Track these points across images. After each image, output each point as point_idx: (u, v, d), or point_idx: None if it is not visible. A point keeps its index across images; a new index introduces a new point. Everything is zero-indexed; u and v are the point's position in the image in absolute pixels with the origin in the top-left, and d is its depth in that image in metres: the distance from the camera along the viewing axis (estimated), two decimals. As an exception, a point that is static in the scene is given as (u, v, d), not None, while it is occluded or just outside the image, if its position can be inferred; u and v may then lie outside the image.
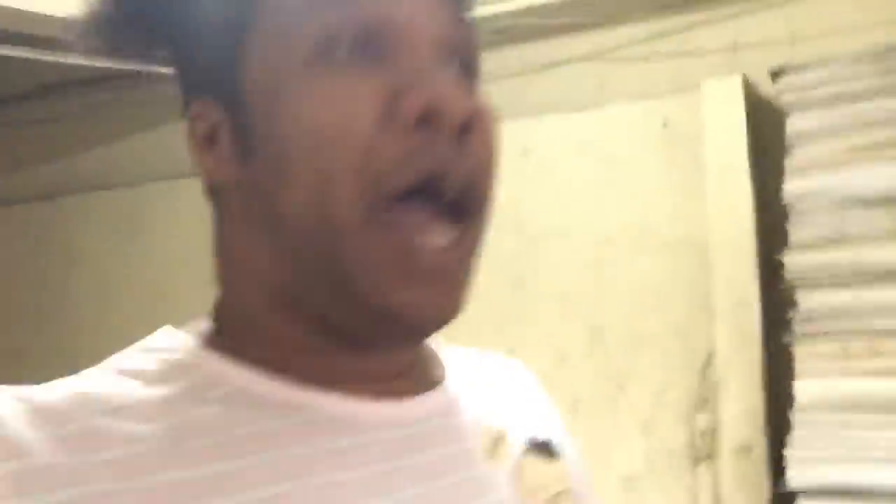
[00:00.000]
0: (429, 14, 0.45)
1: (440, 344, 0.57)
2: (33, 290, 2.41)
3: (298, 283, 0.44)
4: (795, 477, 1.40)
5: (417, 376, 0.50)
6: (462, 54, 0.47)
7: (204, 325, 0.48)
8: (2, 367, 2.25)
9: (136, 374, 0.43)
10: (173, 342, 0.46)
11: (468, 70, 0.48)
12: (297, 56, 0.43)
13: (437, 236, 0.43)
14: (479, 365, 0.58)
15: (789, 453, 1.41)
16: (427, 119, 0.42)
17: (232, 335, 0.47)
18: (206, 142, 0.47)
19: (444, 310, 0.44)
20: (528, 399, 0.59)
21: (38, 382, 0.42)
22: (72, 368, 0.44)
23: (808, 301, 1.47)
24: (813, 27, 1.65)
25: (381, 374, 0.48)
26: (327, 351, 0.46)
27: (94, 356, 0.45)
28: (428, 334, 0.46)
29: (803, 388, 1.43)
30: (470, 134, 0.43)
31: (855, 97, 1.48)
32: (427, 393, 0.50)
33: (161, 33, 0.49)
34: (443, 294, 0.44)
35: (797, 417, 1.43)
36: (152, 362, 0.44)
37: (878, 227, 1.43)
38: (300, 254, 0.43)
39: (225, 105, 0.46)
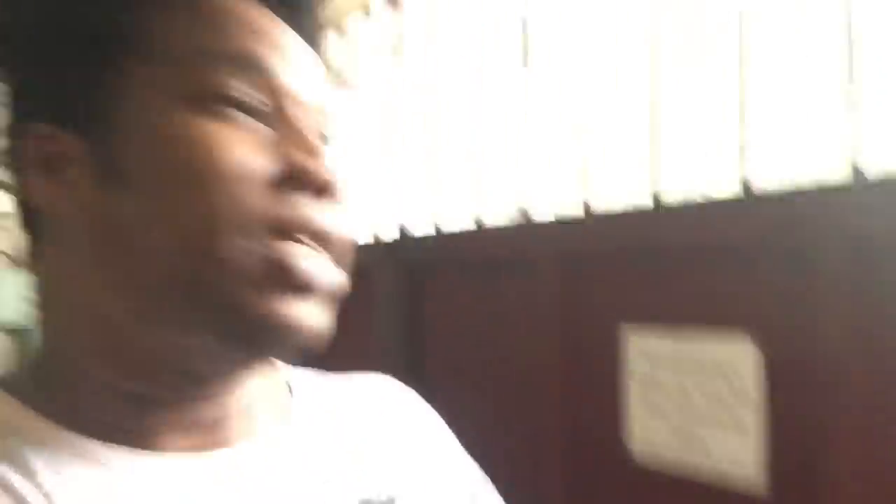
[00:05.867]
0: (313, 81, 0.49)
1: (301, 378, 0.58)
2: None
3: (150, 314, 0.45)
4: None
5: (234, 427, 0.50)
6: (325, 123, 0.51)
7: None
8: None
9: None
10: None
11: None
12: (189, 95, 0.44)
13: (308, 259, 0.46)
14: (339, 398, 0.58)
15: None
16: (297, 179, 0.45)
17: (43, 377, 0.47)
18: (41, 166, 0.45)
19: (319, 322, 0.46)
20: (393, 432, 0.59)
21: None
22: None
23: None
24: None
25: (192, 427, 0.48)
26: (139, 401, 0.46)
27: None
28: (301, 347, 0.47)
29: None
30: (329, 198, 0.47)
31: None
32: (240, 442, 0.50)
33: None
34: (317, 307, 0.46)
35: None
36: None
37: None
38: (164, 282, 0.44)
39: (81, 133, 0.45)
